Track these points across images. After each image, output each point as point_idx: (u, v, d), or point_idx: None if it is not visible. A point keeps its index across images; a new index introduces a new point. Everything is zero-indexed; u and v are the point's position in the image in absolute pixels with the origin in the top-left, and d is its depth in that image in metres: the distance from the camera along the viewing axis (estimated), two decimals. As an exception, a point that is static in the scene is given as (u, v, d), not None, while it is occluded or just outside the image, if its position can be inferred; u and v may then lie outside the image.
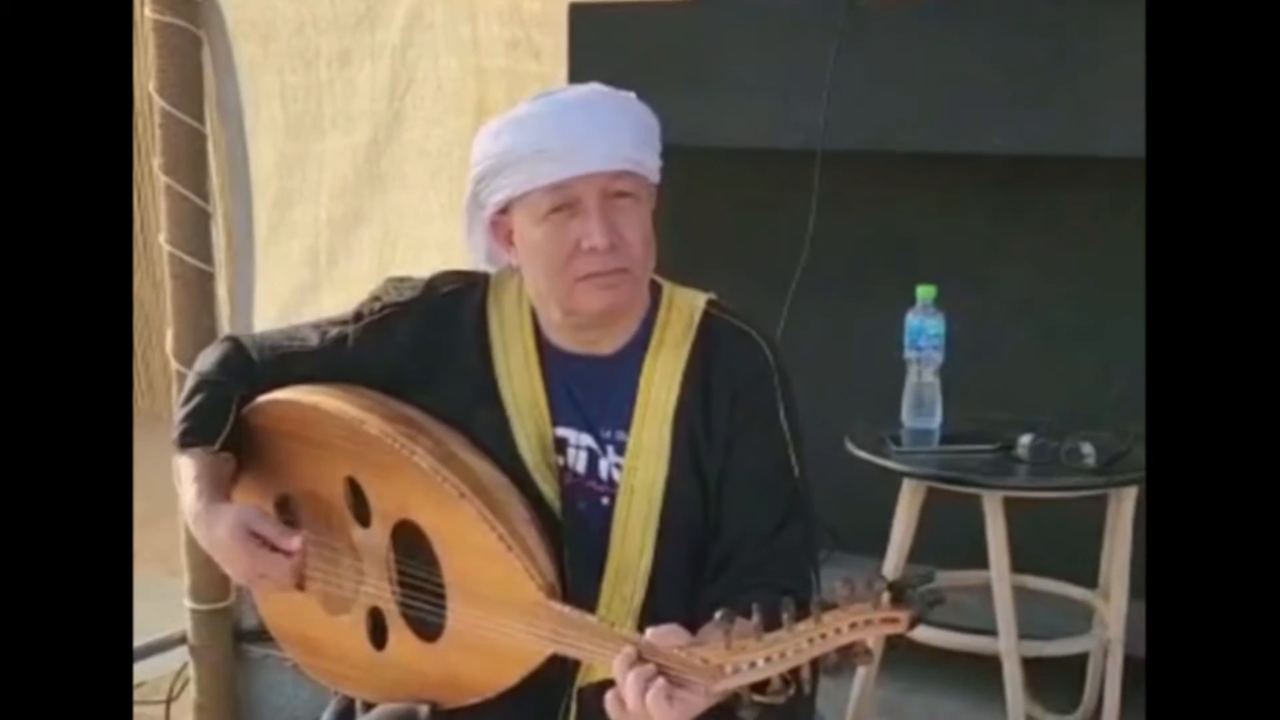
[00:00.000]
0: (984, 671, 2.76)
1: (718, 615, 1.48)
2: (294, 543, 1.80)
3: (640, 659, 1.54)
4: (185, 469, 1.87)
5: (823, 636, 1.42)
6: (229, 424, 1.88)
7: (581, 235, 1.74)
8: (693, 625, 1.59)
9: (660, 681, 1.51)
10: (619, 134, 1.76)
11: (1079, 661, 2.91)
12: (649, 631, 1.57)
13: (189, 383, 1.93)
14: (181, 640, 3.41)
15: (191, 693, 3.42)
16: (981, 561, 2.71)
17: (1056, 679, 2.90)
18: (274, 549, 1.80)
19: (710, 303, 1.87)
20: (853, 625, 1.41)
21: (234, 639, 3.40)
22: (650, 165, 1.81)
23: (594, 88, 1.82)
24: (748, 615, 1.46)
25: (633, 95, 1.83)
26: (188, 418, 1.89)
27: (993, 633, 2.69)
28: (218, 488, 1.86)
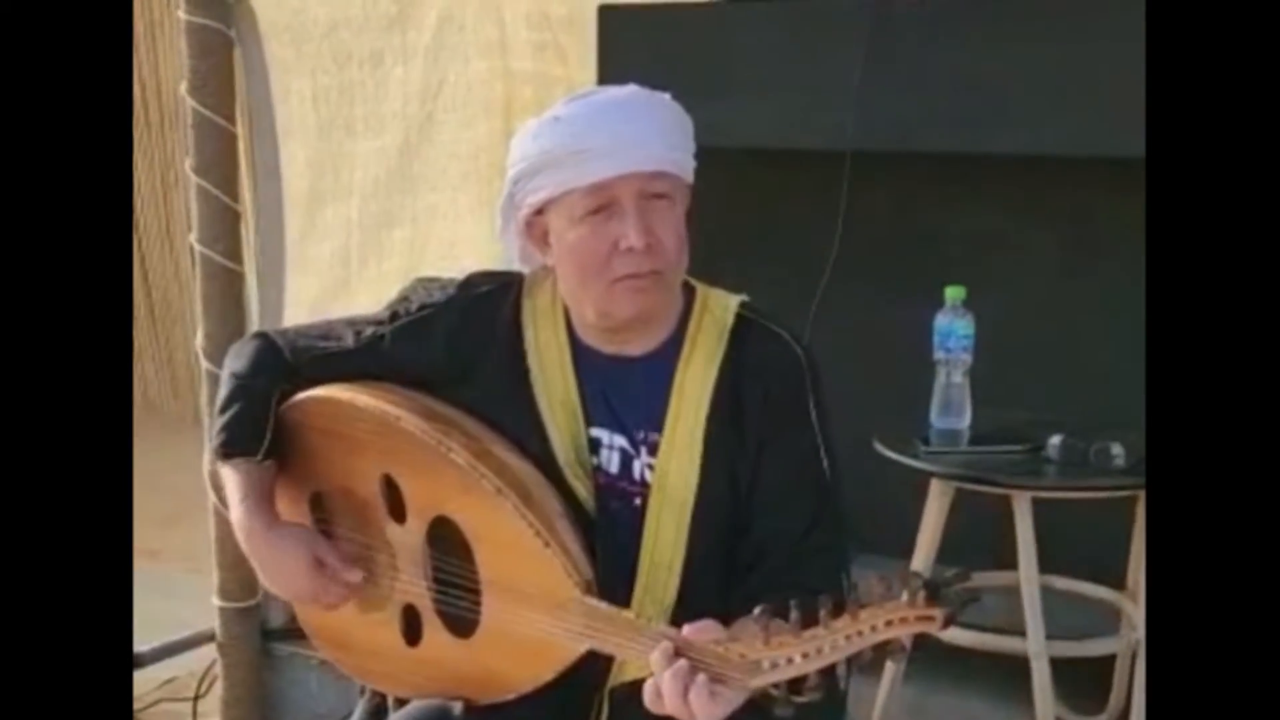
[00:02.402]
0: (1011, 672, 2.76)
1: (756, 611, 1.49)
2: (355, 576, 1.87)
3: (677, 653, 1.55)
4: (230, 481, 1.89)
5: (859, 634, 1.42)
6: (269, 432, 1.89)
7: (619, 236, 1.75)
8: (725, 623, 1.59)
9: (702, 677, 1.52)
10: (656, 134, 1.77)
11: (1106, 663, 2.91)
12: (685, 627, 1.57)
13: (224, 387, 1.93)
14: (209, 638, 3.44)
15: (219, 690, 3.44)
16: (1007, 562, 2.71)
17: (1084, 680, 2.90)
18: (334, 577, 1.86)
19: (743, 305, 1.88)
20: (889, 623, 1.42)
21: (261, 637, 3.42)
22: (685, 165, 1.81)
23: (630, 89, 1.82)
24: (786, 613, 1.47)
25: (667, 96, 1.84)
26: (227, 427, 1.89)
27: (1021, 634, 2.69)
28: (268, 503, 1.88)
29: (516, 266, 1.94)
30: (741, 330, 1.85)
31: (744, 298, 1.89)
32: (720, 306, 1.87)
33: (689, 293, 1.88)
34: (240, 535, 1.87)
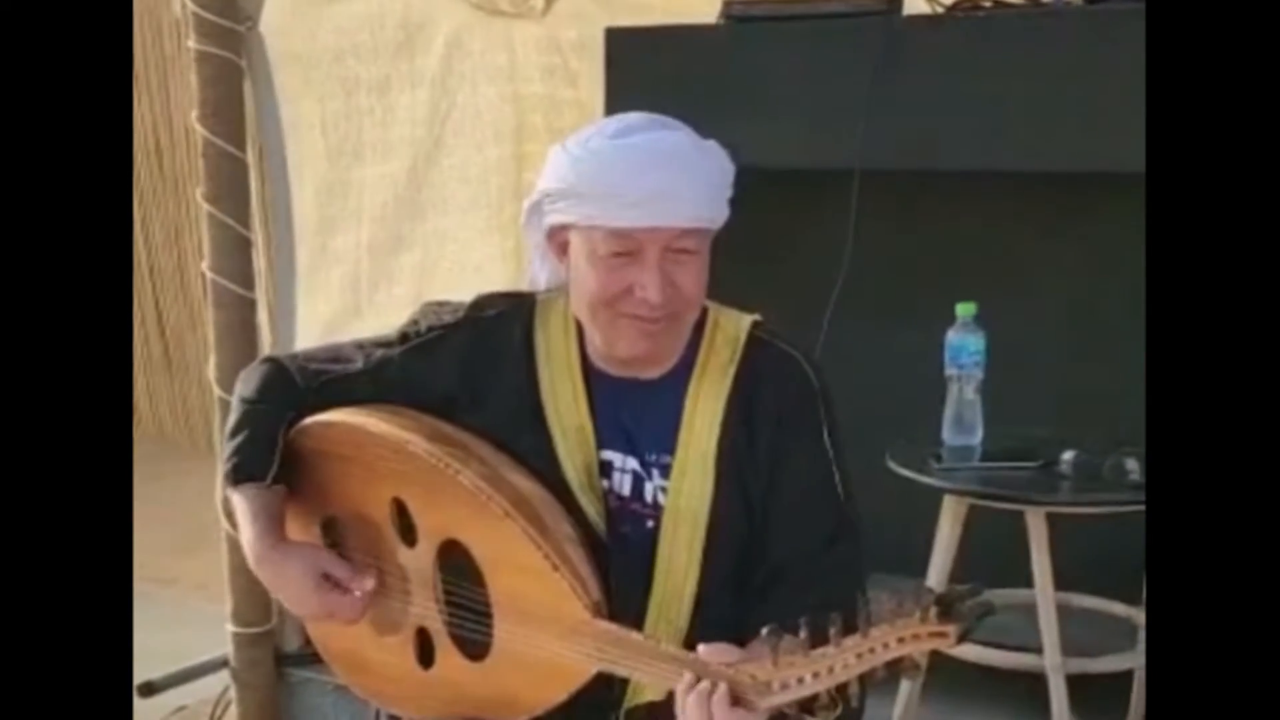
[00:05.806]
0: (1028, 689, 2.75)
1: (764, 632, 1.48)
2: (368, 583, 1.85)
3: (697, 680, 1.54)
4: (240, 506, 1.88)
5: (870, 651, 1.42)
6: (278, 456, 1.89)
7: (636, 283, 1.74)
8: (740, 645, 1.59)
9: (724, 687, 1.52)
10: (693, 191, 1.74)
11: (1124, 678, 2.90)
12: (700, 648, 1.57)
13: (234, 413, 1.93)
14: (224, 664, 3.43)
15: (234, 716, 3.44)
16: (1023, 579, 2.70)
17: (1101, 696, 2.89)
18: (345, 590, 1.84)
19: (755, 324, 1.87)
20: (900, 640, 1.41)
21: (276, 662, 3.42)
22: (718, 217, 1.79)
23: (680, 138, 1.78)
24: (795, 632, 1.47)
25: (714, 144, 1.80)
26: (237, 451, 1.89)
27: (1037, 650, 2.68)
28: (277, 525, 1.88)
29: (528, 287, 1.94)
30: (753, 350, 1.84)
31: (756, 317, 1.88)
32: (732, 326, 1.86)
33: (701, 313, 1.87)
34: (250, 557, 1.87)
